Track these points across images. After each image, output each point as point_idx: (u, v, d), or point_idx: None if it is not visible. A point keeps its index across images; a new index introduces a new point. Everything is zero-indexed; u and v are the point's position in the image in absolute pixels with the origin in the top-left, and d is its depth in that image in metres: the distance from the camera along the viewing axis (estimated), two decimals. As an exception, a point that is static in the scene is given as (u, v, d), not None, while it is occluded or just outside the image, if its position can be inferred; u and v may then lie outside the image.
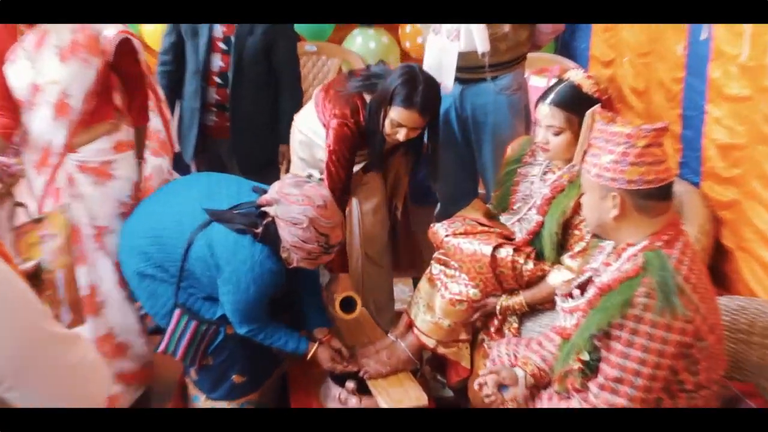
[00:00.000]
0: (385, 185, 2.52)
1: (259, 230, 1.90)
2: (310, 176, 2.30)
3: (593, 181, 1.49)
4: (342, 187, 2.28)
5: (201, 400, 2.28)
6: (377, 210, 2.51)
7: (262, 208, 1.90)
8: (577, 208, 1.94)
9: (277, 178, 2.81)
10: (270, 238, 1.90)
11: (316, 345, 2.16)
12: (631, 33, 2.91)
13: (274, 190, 1.91)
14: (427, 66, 2.36)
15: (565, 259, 2.00)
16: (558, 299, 1.71)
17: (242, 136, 2.71)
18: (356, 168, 2.36)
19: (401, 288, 3.21)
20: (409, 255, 2.72)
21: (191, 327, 2.06)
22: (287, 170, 2.83)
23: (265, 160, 2.81)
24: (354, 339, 2.40)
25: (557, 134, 1.92)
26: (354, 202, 2.42)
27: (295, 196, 1.86)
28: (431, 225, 2.22)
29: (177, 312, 2.05)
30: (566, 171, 2.01)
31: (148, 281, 2.07)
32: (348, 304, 2.29)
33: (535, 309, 2.11)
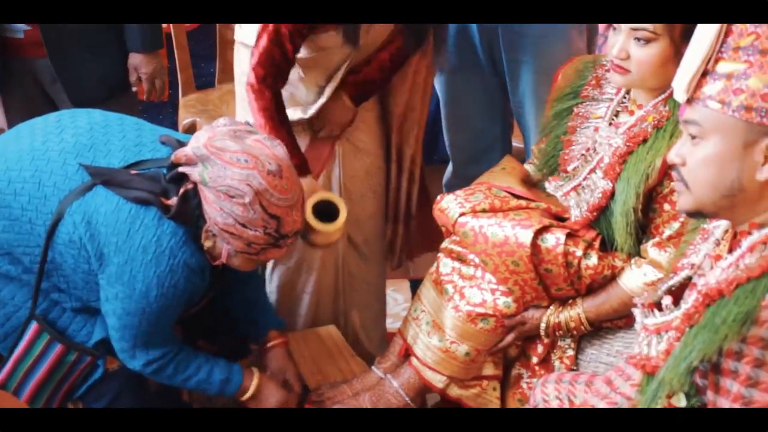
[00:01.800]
0: (381, 118, 2.51)
1: (172, 201, 1.87)
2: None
3: (735, 119, 1.44)
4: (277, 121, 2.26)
5: None
6: (370, 160, 2.50)
7: (180, 169, 1.88)
8: (667, 168, 1.91)
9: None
10: (187, 215, 1.89)
11: (256, 375, 2.14)
12: None
13: (199, 140, 1.88)
14: None
15: (649, 249, 1.99)
16: (638, 312, 1.70)
17: (65, 46, 2.66)
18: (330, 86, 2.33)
19: (390, 296, 3.21)
20: (422, 241, 2.72)
21: (52, 354, 2.04)
22: (149, 98, 2.86)
23: (113, 83, 2.82)
24: (319, 374, 2.40)
25: (646, 42, 1.89)
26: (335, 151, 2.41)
27: (234, 154, 1.84)
28: (438, 198, 2.21)
29: (33, 327, 2.03)
30: (651, 110, 1.98)
31: None
32: (324, 214, 2.24)
33: (601, 328, 2.11)
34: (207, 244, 1.92)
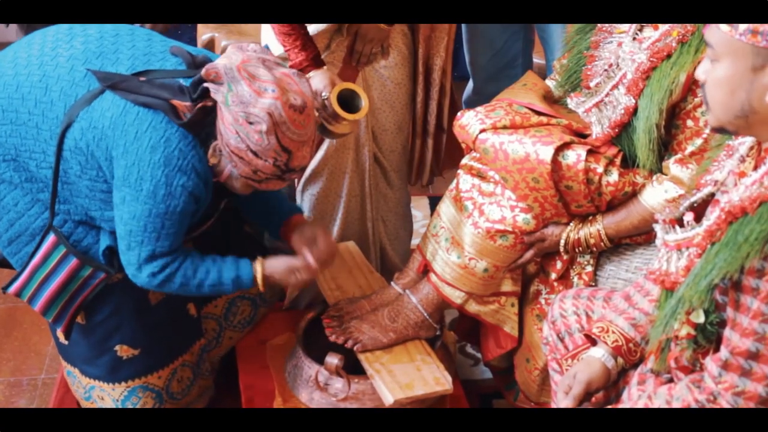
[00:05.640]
0: (412, 35, 2.48)
1: (187, 105, 1.87)
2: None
3: (742, 43, 1.43)
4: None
5: (77, 377, 2.33)
6: (388, 74, 2.48)
7: (205, 85, 1.87)
8: (690, 84, 1.90)
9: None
10: (200, 126, 1.89)
11: (259, 262, 2.10)
12: None
13: (232, 61, 1.87)
14: None
15: (671, 165, 1.99)
16: (658, 229, 1.70)
17: None
18: None
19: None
20: (453, 155, 2.70)
21: (68, 266, 2.07)
22: None
23: None
24: (338, 290, 2.42)
25: None
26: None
27: (264, 83, 1.85)
28: (458, 114, 2.19)
29: (51, 239, 2.05)
30: (677, 25, 1.94)
31: None
32: (347, 104, 2.25)
33: (620, 244, 2.12)
34: (212, 160, 1.92)
